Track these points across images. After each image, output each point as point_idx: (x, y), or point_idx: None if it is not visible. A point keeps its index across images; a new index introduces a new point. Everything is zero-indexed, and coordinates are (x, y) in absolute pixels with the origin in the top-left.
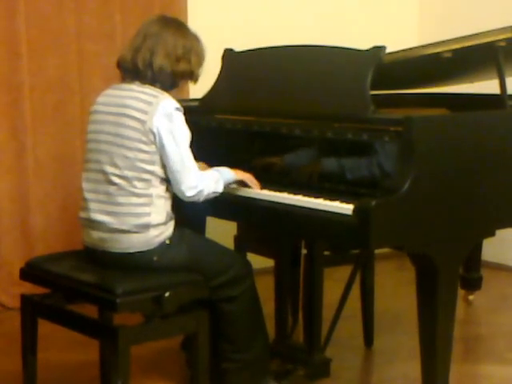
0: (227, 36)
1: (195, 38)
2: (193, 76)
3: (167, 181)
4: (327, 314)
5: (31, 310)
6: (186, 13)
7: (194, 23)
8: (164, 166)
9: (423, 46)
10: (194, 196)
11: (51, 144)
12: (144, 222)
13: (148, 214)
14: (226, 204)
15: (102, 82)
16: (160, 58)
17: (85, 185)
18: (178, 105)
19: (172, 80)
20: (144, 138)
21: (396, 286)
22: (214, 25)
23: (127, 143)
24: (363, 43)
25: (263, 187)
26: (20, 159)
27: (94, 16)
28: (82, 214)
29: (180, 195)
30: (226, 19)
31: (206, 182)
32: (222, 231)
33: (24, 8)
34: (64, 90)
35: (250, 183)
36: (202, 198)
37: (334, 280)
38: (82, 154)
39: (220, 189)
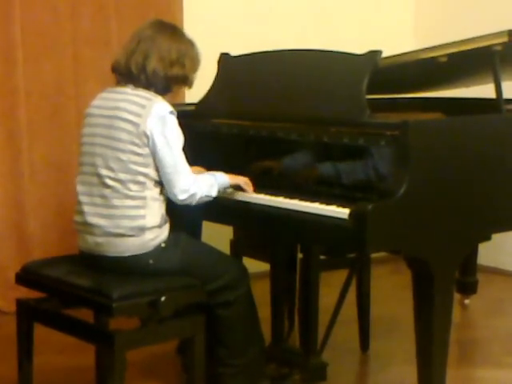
0: (223, 40)
1: (190, 43)
2: (187, 81)
3: (161, 183)
4: (323, 318)
5: (27, 314)
6: (182, 17)
7: (190, 28)
8: (158, 169)
9: (419, 51)
10: (186, 199)
11: (47, 149)
12: (139, 224)
13: (143, 217)
14: (222, 208)
15: (97, 87)
16: (153, 61)
17: (79, 188)
18: (171, 108)
19: (165, 84)
20: (137, 141)
21: (392, 290)
22: (210, 30)
23: (120, 146)
24: (359, 47)
25: (259, 191)
26: (15, 164)
27: (90, 21)
28: (77, 218)
29: (173, 198)
30: (222, 24)
31: (199, 185)
32: (218, 235)
33: (20, 14)
34: (60, 95)
35: (244, 186)
36: (194, 202)
37: (330, 284)
38: (77, 158)
39: (214, 193)
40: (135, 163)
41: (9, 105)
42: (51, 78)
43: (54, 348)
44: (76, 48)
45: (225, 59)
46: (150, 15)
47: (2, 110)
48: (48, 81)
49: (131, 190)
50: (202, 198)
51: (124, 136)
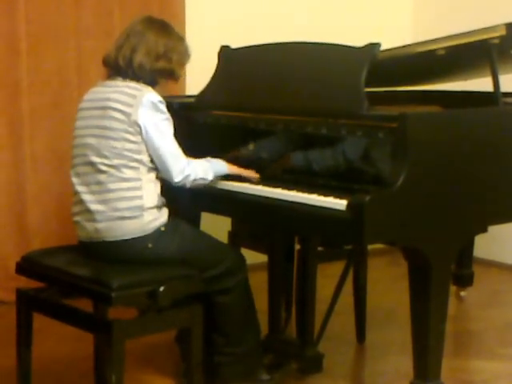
0: (224, 33)
1: (178, 38)
2: (173, 75)
3: (154, 169)
4: (320, 309)
5: (26, 304)
6: (184, 10)
7: (191, 21)
8: (150, 156)
9: (417, 44)
10: (181, 181)
11: (49, 139)
12: (136, 204)
13: (140, 197)
14: (220, 199)
15: (99, 78)
16: (140, 55)
17: (75, 179)
18: (160, 98)
19: (151, 77)
20: (130, 129)
21: (389, 282)
22: (212, 22)
23: (113, 134)
24: (358, 40)
25: (257, 183)
26: (17, 154)
27: (93, 13)
28: (76, 208)
29: (169, 180)
30: (223, 17)
31: (193, 167)
32: (216, 227)
33: (23, 4)
34: (62, 86)
35: (247, 176)
36: (188, 184)
37: (327, 275)
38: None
39: (209, 177)
40: (129, 150)
41: (11, 94)
42: (54, 69)
43: (53, 337)
44: (79, 39)
45: (225, 51)
46: (153, 7)
47: (4, 99)
48: (51, 71)
49: (125, 174)
50: (196, 180)
51: (116, 125)
